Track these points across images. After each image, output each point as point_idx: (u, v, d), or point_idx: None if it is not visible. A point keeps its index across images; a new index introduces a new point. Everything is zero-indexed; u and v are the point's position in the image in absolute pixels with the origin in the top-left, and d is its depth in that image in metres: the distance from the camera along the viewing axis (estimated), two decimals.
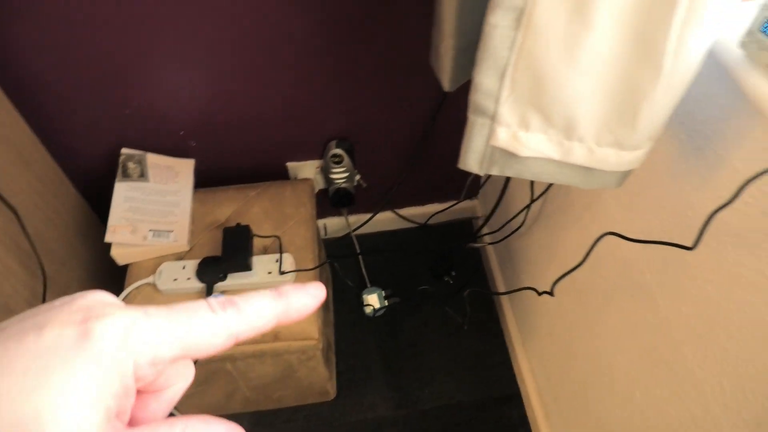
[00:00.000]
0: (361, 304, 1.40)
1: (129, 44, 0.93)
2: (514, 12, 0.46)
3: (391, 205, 1.47)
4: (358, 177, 1.30)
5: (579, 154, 0.54)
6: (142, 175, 1.12)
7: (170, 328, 0.19)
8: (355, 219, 1.46)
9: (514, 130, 0.55)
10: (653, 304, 0.71)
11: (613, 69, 0.47)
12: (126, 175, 1.11)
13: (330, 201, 1.34)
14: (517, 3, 0.45)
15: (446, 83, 0.68)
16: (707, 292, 0.61)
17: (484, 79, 0.52)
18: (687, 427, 0.68)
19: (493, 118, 0.54)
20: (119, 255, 1.05)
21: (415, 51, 0.99)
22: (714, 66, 0.52)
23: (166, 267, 1.02)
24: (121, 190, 1.09)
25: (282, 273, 1.02)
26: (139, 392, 0.21)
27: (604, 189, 0.61)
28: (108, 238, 1.03)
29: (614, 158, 0.54)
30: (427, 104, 1.15)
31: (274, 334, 1.00)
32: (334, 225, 1.49)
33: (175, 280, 1.01)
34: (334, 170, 1.25)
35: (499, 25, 0.47)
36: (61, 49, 0.92)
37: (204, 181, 1.16)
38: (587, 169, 0.56)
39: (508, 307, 1.35)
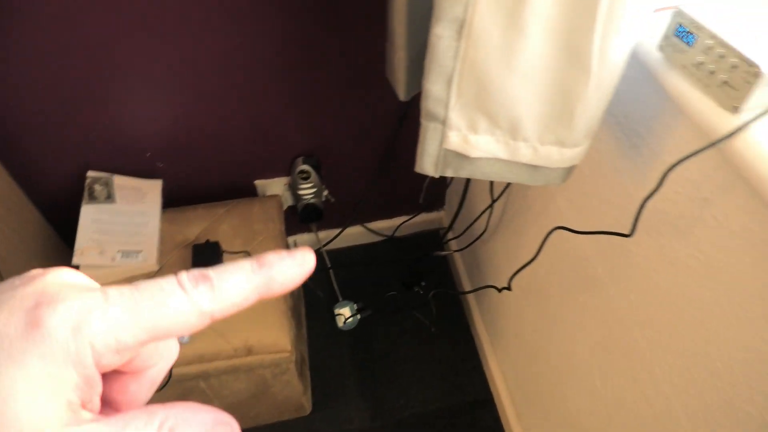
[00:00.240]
0: (333, 318, 1.42)
1: (93, 68, 0.95)
2: (455, 23, 0.51)
3: (360, 219, 1.50)
4: (325, 192, 1.33)
5: (524, 153, 0.59)
6: (109, 197, 1.13)
7: (133, 313, 0.17)
8: (325, 234, 1.49)
9: (464, 133, 0.59)
10: (605, 294, 0.76)
11: (548, 73, 0.52)
12: (92, 198, 1.12)
13: (299, 217, 1.36)
14: (457, 15, 0.50)
15: (401, 93, 0.73)
16: (650, 277, 0.65)
17: (433, 86, 0.56)
18: (642, 409, 0.72)
19: (444, 122, 0.58)
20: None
21: (373, 67, 1.04)
22: (639, 69, 0.57)
23: None
24: (88, 212, 1.09)
25: None
26: (117, 373, 0.20)
27: (551, 186, 0.65)
28: (76, 260, 1.03)
29: (557, 155, 0.59)
30: (389, 118, 1.20)
31: (247, 348, 1.01)
32: (304, 241, 1.51)
33: None
34: (302, 186, 1.28)
35: (443, 36, 0.52)
36: (22, 73, 0.93)
37: (172, 200, 1.17)
38: (533, 167, 0.60)
39: (476, 311, 1.39)
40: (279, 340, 1.02)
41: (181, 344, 0.97)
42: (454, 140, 0.59)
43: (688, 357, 0.61)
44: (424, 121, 0.60)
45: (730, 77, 0.46)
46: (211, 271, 0.18)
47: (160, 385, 0.23)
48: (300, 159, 1.25)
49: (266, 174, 1.28)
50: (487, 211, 1.08)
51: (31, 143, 1.07)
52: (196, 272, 0.18)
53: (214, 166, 1.22)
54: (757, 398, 0.52)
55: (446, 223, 1.57)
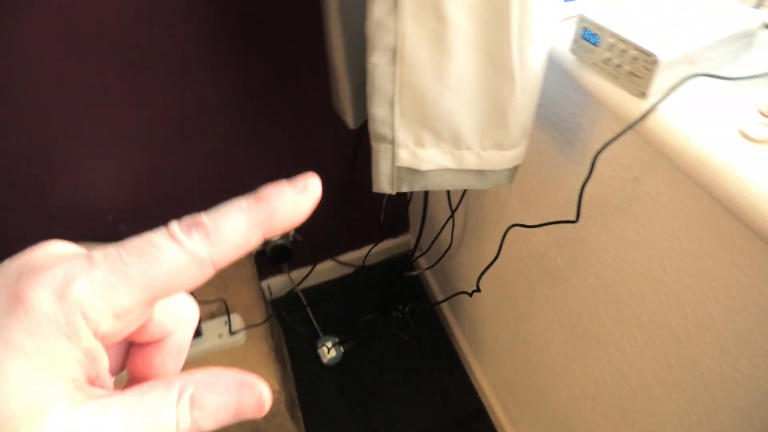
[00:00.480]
0: (317, 356, 1.42)
1: (41, 142, 0.96)
2: (388, 51, 0.56)
3: (330, 253, 1.52)
4: (292, 232, 1.35)
5: (470, 160, 0.64)
6: None
7: (122, 273, 0.15)
8: (297, 274, 1.50)
9: (412, 149, 0.63)
10: (568, 283, 0.80)
11: (477, 85, 0.57)
12: None
13: (269, 260, 1.37)
14: (389, 43, 0.55)
15: (350, 122, 0.77)
16: (604, 259, 0.70)
17: (378, 110, 0.60)
18: (620, 386, 0.75)
19: (393, 142, 0.63)
20: None
21: (321, 104, 1.09)
22: (559, 71, 0.63)
23: None
24: None
25: (232, 333, 1.04)
26: (137, 346, 0.19)
27: (499, 187, 0.70)
28: None
29: (499, 158, 0.64)
30: (343, 151, 1.24)
31: None
32: (278, 284, 1.51)
33: None
34: None
35: (378, 63, 0.56)
36: None
37: None
38: (480, 172, 0.65)
39: (454, 324, 1.41)
40: (266, 381, 1.02)
41: None
42: (404, 157, 0.64)
43: (650, 327, 0.66)
44: (374, 144, 0.64)
45: (633, 68, 0.52)
46: (204, 216, 0.17)
47: None
48: None
49: None
50: (450, 224, 1.12)
51: None
52: (189, 219, 0.17)
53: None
54: (713, 351, 0.56)
55: (413, 245, 1.61)
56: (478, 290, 0.89)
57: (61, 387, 0.15)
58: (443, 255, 1.22)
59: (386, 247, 1.57)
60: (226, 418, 0.16)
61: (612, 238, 0.68)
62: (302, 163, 1.23)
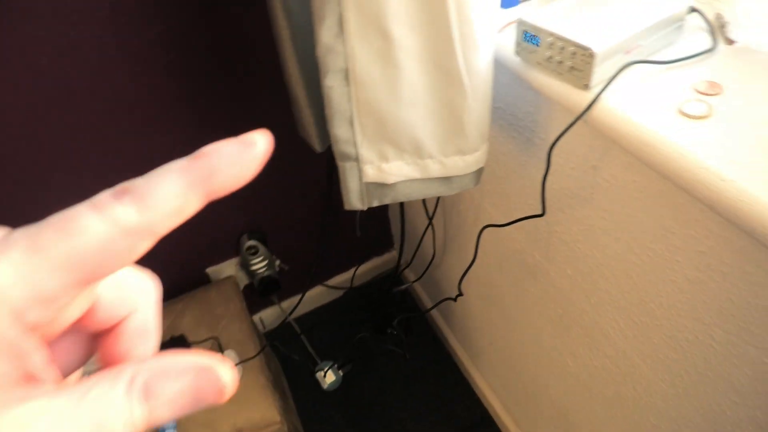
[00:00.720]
0: (317, 383, 1.42)
1: (21, 193, 0.96)
2: (341, 73, 0.58)
3: (318, 278, 1.53)
4: (277, 262, 1.36)
5: (434, 168, 0.66)
6: None
7: (42, 251, 0.14)
8: (288, 303, 1.50)
9: (377, 164, 0.65)
10: (548, 276, 0.82)
11: (430, 96, 0.59)
12: None
13: (258, 292, 1.37)
14: (340, 65, 0.57)
15: (316, 146, 0.79)
16: (577, 248, 0.72)
17: (339, 130, 0.62)
18: (610, 371, 0.77)
19: (357, 159, 0.65)
20: None
21: (289, 131, 1.11)
22: (508, 73, 0.66)
23: None
24: None
25: None
26: (96, 336, 0.18)
27: (466, 190, 0.72)
28: None
29: (462, 163, 0.66)
30: (318, 175, 1.26)
31: (237, 430, 1.00)
32: (270, 316, 1.51)
33: None
34: (253, 262, 1.31)
35: (333, 85, 0.59)
36: None
37: None
38: (446, 179, 0.67)
39: (449, 333, 1.42)
40: (266, 413, 1.02)
41: None
42: (371, 172, 0.66)
43: (628, 308, 0.68)
44: (340, 163, 0.66)
45: (574, 62, 0.55)
46: (136, 179, 0.15)
47: None
48: (245, 236, 1.28)
49: (215, 259, 1.30)
50: (431, 233, 1.14)
51: None
52: (118, 187, 0.15)
53: (163, 265, 1.23)
54: (687, 323, 0.58)
55: (401, 259, 1.62)
56: (460, 294, 0.90)
57: None
58: (429, 265, 1.23)
59: (373, 265, 1.58)
60: (184, 406, 0.14)
61: (581, 227, 0.70)
62: (279, 192, 1.25)
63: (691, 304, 0.56)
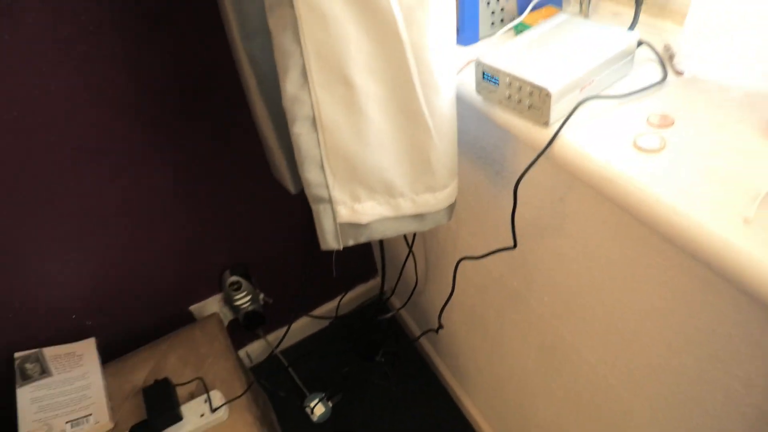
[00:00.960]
0: (307, 416, 1.40)
1: None
2: (308, 120, 0.59)
3: (303, 309, 1.52)
4: (261, 296, 1.36)
5: (406, 206, 0.67)
6: (44, 372, 1.10)
7: None
8: (273, 336, 1.49)
9: (350, 204, 0.66)
10: (527, 304, 0.83)
11: (397, 139, 0.61)
12: (26, 378, 1.08)
13: (243, 327, 1.37)
14: (307, 113, 0.58)
15: (290, 188, 0.80)
16: (551, 276, 0.73)
17: (310, 174, 0.63)
18: (593, 395, 0.77)
19: (330, 201, 0.66)
20: None
21: (265, 166, 1.12)
22: (472, 110, 0.67)
23: None
24: (24, 394, 1.05)
25: (214, 410, 1.03)
26: None
27: (441, 225, 0.73)
28: None
29: (433, 200, 0.67)
30: (296, 207, 1.27)
31: None
32: (257, 350, 1.50)
33: None
34: (237, 297, 1.30)
35: (301, 132, 0.60)
36: None
37: (112, 352, 1.16)
38: (418, 216, 0.68)
39: (437, 361, 1.42)
40: None
41: None
42: (344, 213, 0.66)
43: (604, 335, 0.68)
44: (313, 205, 0.67)
45: (532, 101, 0.57)
46: None
47: None
48: (227, 272, 1.28)
49: (198, 297, 1.29)
50: (413, 262, 1.15)
51: None
52: None
53: (145, 306, 1.22)
54: (660, 350, 0.59)
55: (385, 287, 1.63)
56: (441, 327, 0.91)
57: None
58: (412, 293, 1.24)
59: (358, 293, 1.58)
60: None
61: (553, 256, 0.71)
62: (259, 225, 1.25)
63: (660, 332, 0.57)
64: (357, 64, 0.55)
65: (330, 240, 0.69)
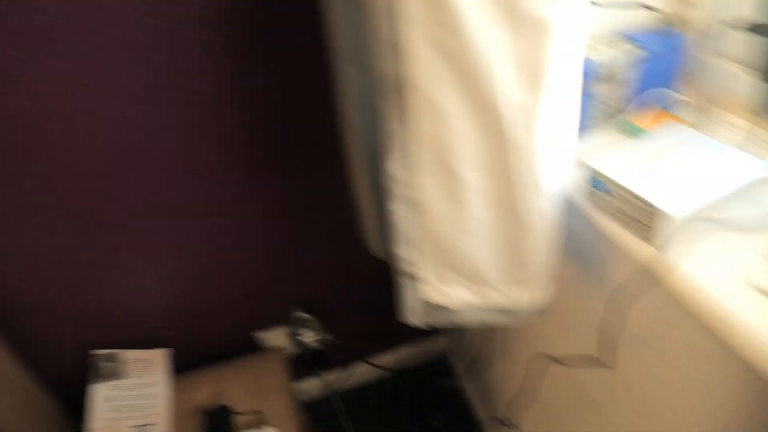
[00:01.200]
0: None
1: (92, 251, 1.04)
2: (406, 201, 0.60)
3: (365, 354, 1.52)
4: (327, 335, 1.37)
5: (496, 299, 0.65)
6: (118, 373, 1.16)
7: None
8: (333, 376, 1.50)
9: (437, 286, 0.66)
10: (611, 421, 0.77)
11: (494, 233, 0.60)
12: (101, 376, 1.15)
13: (304, 363, 1.38)
14: (406, 194, 0.59)
15: (376, 251, 0.81)
16: (647, 399, 0.68)
17: (400, 250, 0.64)
18: None
19: (417, 279, 0.65)
20: None
21: (350, 209, 1.14)
22: (574, 212, 0.65)
23: None
24: (98, 391, 1.12)
25: None
26: None
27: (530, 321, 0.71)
28: None
29: (525, 298, 0.65)
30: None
31: None
32: (312, 386, 1.51)
33: None
34: (302, 333, 1.32)
35: (397, 210, 0.60)
36: (27, 255, 1.01)
37: (179, 366, 1.21)
38: (508, 310, 0.66)
39: None
40: None
41: None
42: (430, 293, 0.66)
43: None
44: (400, 279, 0.67)
45: (643, 217, 0.54)
46: None
47: None
48: (297, 306, 1.31)
49: (265, 325, 1.32)
50: (487, 336, 1.11)
51: (38, 328, 1.12)
52: None
53: (216, 326, 1.27)
54: None
55: (451, 349, 1.59)
56: (509, 424, 0.86)
57: None
58: (479, 365, 1.20)
59: (423, 348, 1.56)
60: None
61: (648, 378, 0.66)
62: (335, 265, 1.27)
63: None
64: (462, 156, 0.55)
65: (412, 315, 0.69)
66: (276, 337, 1.34)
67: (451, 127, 0.53)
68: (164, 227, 1.06)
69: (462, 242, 0.61)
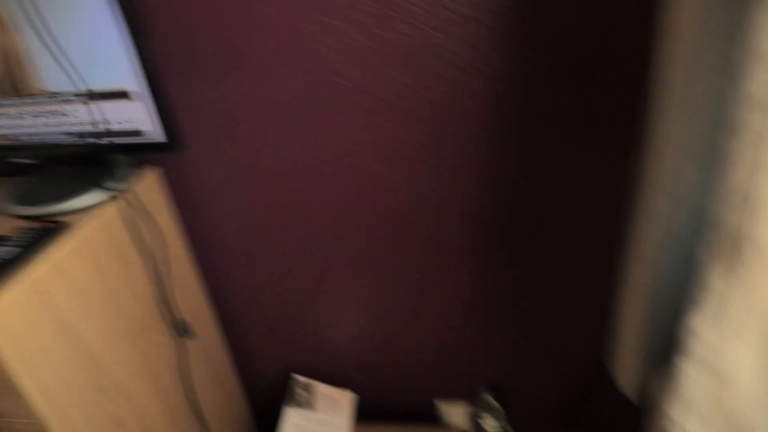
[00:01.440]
0: None
1: (316, 287, 1.12)
2: (704, 363, 0.50)
3: None
4: (509, 427, 1.28)
5: None
6: (309, 403, 1.23)
7: None
8: None
9: None
10: None
11: None
12: (295, 401, 1.23)
13: None
14: (706, 356, 0.50)
15: (626, 387, 0.71)
16: None
17: (675, 412, 0.54)
18: None
19: None
20: None
21: (583, 305, 1.04)
22: None
23: None
24: (290, 416, 1.20)
25: None
26: None
27: None
28: None
29: None
30: (587, 361, 1.15)
31: None
32: None
33: None
34: (484, 418, 1.25)
35: (686, 370, 0.51)
36: (249, 288, 1.13)
37: (360, 412, 1.24)
38: None
39: None
40: None
41: None
42: None
43: None
44: None
45: None
46: None
47: None
48: (487, 388, 1.24)
49: (450, 396, 1.29)
50: None
51: (251, 345, 1.25)
52: None
53: (400, 382, 1.27)
54: None
55: None
56: None
57: None
58: None
59: None
60: None
61: None
62: (538, 355, 1.18)
63: None
64: None
65: None
66: (457, 413, 1.29)
67: None
68: (379, 278, 1.10)
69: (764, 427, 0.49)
